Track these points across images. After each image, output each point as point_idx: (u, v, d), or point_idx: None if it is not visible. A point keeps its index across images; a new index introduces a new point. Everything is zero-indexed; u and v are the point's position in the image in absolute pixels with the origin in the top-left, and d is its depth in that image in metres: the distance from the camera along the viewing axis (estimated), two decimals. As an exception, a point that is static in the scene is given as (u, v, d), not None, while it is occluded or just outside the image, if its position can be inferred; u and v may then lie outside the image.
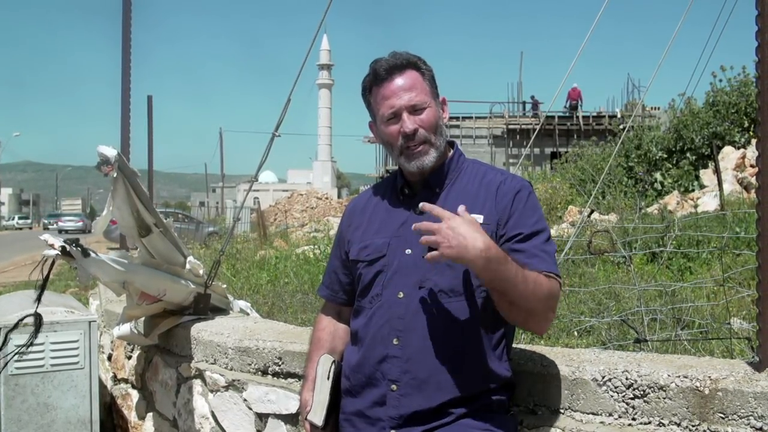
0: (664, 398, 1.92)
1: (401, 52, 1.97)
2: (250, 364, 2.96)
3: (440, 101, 2.01)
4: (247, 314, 3.86)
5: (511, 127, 32.62)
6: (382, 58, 1.96)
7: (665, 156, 16.38)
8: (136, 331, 3.53)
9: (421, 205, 1.60)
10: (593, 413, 2.03)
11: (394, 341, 1.88)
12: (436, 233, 1.65)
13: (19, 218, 72.19)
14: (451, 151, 2.05)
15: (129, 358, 4.18)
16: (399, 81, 1.92)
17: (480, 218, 1.84)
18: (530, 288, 1.73)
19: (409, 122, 1.90)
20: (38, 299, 3.36)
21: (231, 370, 3.05)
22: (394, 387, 1.87)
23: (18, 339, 3.36)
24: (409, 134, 1.90)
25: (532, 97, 34.91)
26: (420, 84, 1.93)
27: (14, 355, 3.34)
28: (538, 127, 11.77)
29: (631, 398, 1.97)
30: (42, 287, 3.29)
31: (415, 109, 1.91)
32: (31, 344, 3.39)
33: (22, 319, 3.37)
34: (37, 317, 3.40)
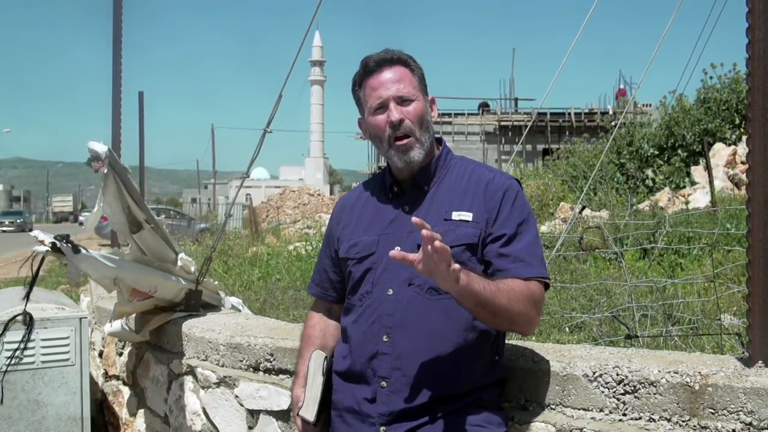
0: (655, 394, 1.93)
1: (393, 49, 1.99)
2: (241, 361, 2.96)
3: (429, 100, 2.02)
4: (239, 311, 3.85)
5: (503, 123, 32.66)
6: (372, 54, 1.98)
7: (656, 153, 16.44)
8: (127, 328, 3.52)
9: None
10: (584, 409, 2.04)
11: (384, 338, 1.88)
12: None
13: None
14: (439, 149, 2.06)
15: (120, 354, 4.16)
16: (388, 74, 1.94)
17: (469, 216, 1.88)
18: (504, 297, 1.72)
19: (395, 111, 1.92)
20: (27, 296, 3.35)
21: (222, 366, 3.04)
22: (384, 384, 1.86)
23: (7, 336, 3.34)
24: (396, 123, 1.92)
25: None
26: (409, 78, 1.95)
27: (12, 359, 3.32)
28: (529, 124, 11.77)
29: (622, 394, 1.98)
30: (31, 284, 3.28)
31: (402, 100, 1.93)
32: (25, 346, 3.37)
33: (11, 320, 3.34)
34: (27, 316, 3.38)
